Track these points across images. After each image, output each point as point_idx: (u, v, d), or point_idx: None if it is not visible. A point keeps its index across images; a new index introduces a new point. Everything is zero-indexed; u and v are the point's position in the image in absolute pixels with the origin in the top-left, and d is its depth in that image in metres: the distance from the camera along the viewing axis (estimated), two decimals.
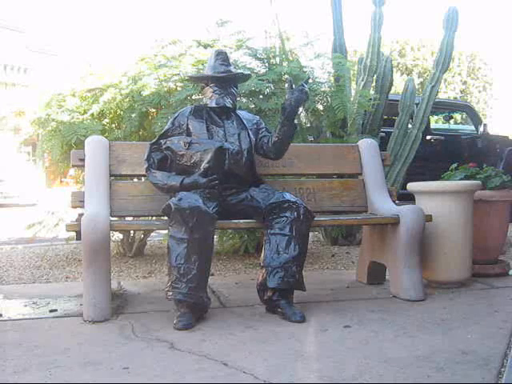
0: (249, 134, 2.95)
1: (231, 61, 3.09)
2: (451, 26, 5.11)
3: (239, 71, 3.24)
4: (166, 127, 2.95)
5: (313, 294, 3.00)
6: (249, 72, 3.33)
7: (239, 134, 2.93)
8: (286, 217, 2.69)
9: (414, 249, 2.99)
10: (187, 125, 2.90)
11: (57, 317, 2.73)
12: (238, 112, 3.06)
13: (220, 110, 2.95)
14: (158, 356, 2.12)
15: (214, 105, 2.92)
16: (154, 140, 2.92)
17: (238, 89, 3.11)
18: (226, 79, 2.94)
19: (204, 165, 2.74)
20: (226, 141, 2.88)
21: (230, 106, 2.94)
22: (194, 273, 2.50)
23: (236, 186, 2.90)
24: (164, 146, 2.84)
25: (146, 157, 2.87)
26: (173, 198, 2.62)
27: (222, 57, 2.96)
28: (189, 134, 2.87)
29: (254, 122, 3.05)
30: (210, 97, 2.94)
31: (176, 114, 2.98)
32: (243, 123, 2.99)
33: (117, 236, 4.55)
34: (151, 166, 2.85)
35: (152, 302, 3.00)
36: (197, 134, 2.86)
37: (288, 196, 2.76)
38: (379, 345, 2.24)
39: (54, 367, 2.01)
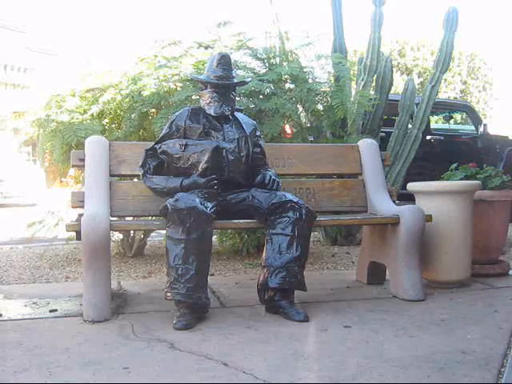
0: (248, 141, 2.93)
1: (232, 61, 3.07)
2: (451, 26, 5.11)
3: (240, 80, 3.19)
4: (164, 132, 2.91)
5: (313, 294, 3.00)
6: (249, 77, 3.31)
7: (238, 140, 2.90)
8: (289, 217, 2.68)
9: (414, 249, 2.99)
10: (185, 129, 2.87)
11: (57, 317, 2.73)
12: (237, 115, 3.02)
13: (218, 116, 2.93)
14: (158, 356, 2.12)
15: (212, 113, 2.89)
16: (149, 146, 2.89)
17: (237, 91, 3.09)
18: (226, 86, 2.92)
19: (202, 165, 2.73)
20: None
21: (229, 113, 2.93)
22: (192, 273, 2.50)
23: (236, 190, 2.89)
24: (159, 150, 2.81)
25: (141, 163, 2.84)
26: (169, 199, 2.61)
27: (225, 61, 2.91)
28: (186, 138, 2.84)
29: (253, 128, 3.03)
30: (208, 102, 2.90)
31: (173, 118, 2.94)
32: (242, 128, 2.96)
33: (117, 236, 4.55)
34: (147, 172, 2.83)
35: (152, 302, 3.00)
36: (194, 139, 2.84)
37: (290, 196, 2.76)
38: (379, 345, 2.24)
39: (54, 367, 2.01)
